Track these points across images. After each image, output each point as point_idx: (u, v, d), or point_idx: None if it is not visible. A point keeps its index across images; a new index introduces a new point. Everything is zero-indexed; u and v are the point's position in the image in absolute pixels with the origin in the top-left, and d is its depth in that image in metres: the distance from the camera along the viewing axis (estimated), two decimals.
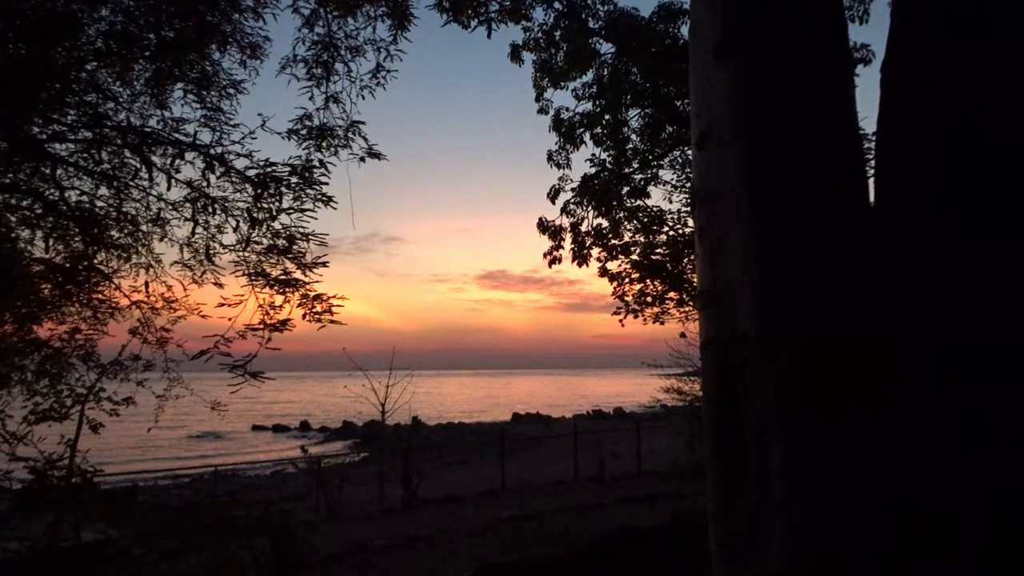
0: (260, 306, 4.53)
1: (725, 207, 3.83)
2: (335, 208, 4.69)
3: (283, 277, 4.69)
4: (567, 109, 11.36)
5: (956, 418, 2.94)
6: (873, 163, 4.24)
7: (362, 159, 5.27)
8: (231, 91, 5.50)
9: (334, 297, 4.64)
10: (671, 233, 13.47)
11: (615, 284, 13.95)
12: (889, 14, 4.51)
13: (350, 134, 5.34)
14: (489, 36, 4.99)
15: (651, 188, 12.54)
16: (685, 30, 10.02)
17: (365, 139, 5.32)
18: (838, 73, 4.03)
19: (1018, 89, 3.66)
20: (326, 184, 4.72)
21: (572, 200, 11.88)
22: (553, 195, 11.78)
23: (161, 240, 6.12)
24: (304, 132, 5.28)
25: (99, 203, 5.92)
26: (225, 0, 5.35)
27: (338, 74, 5.33)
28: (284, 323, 4.48)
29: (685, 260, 13.08)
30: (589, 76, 10.98)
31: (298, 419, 62.87)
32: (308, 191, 4.66)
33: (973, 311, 3.20)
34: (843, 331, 3.40)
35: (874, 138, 4.08)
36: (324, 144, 5.30)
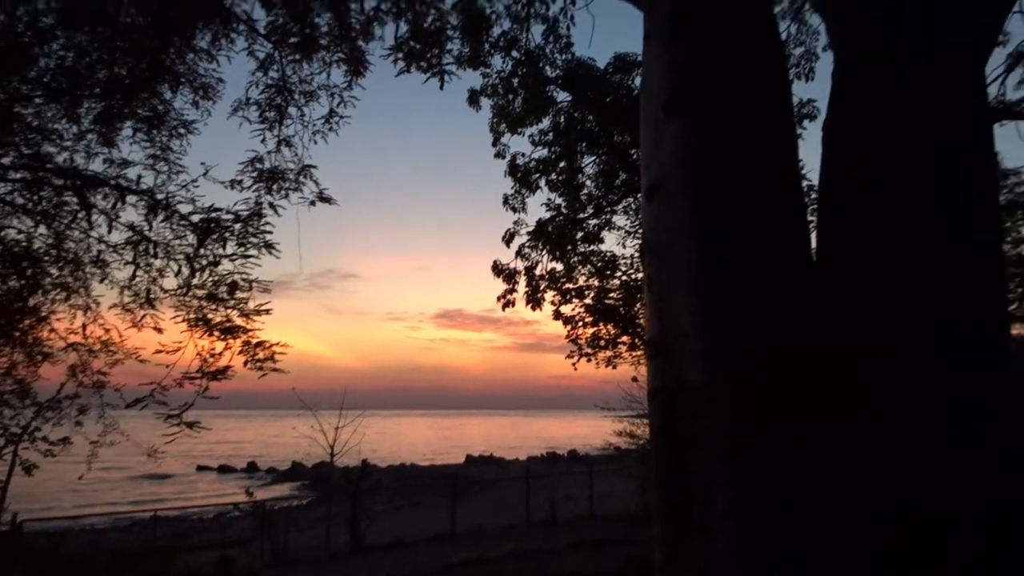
0: (199, 353, 4.43)
1: (674, 258, 3.90)
2: (277, 257, 4.66)
3: (225, 324, 4.60)
4: (523, 155, 11.51)
5: (914, 447, 3.05)
6: (816, 212, 4.39)
7: (312, 203, 5.24)
8: (182, 131, 5.45)
9: (277, 344, 4.57)
10: (624, 278, 13.64)
11: (569, 327, 14.04)
12: (831, 73, 4.72)
13: (301, 178, 5.32)
14: (442, 87, 5.04)
15: (605, 233, 12.72)
16: (639, 81, 10.26)
17: (316, 183, 5.31)
18: (783, 127, 4.18)
19: (953, 140, 3.87)
20: (269, 233, 4.68)
21: (527, 244, 11.99)
22: (508, 239, 11.85)
23: (101, 282, 5.96)
24: (254, 174, 5.24)
25: (37, 243, 5.76)
26: (180, 41, 5.32)
27: (291, 118, 5.32)
28: (223, 371, 4.39)
29: (638, 305, 13.23)
30: (546, 123, 11.17)
31: (245, 460, 61.11)
32: (252, 239, 4.61)
33: (926, 334, 3.35)
34: (787, 380, 3.47)
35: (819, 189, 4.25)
36: (275, 187, 5.26)
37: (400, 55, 4.87)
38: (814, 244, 4.25)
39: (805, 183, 8.41)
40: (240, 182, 5.13)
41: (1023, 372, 3.58)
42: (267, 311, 4.55)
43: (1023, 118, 6.42)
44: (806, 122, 10.54)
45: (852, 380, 3.47)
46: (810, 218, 4.53)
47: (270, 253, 4.63)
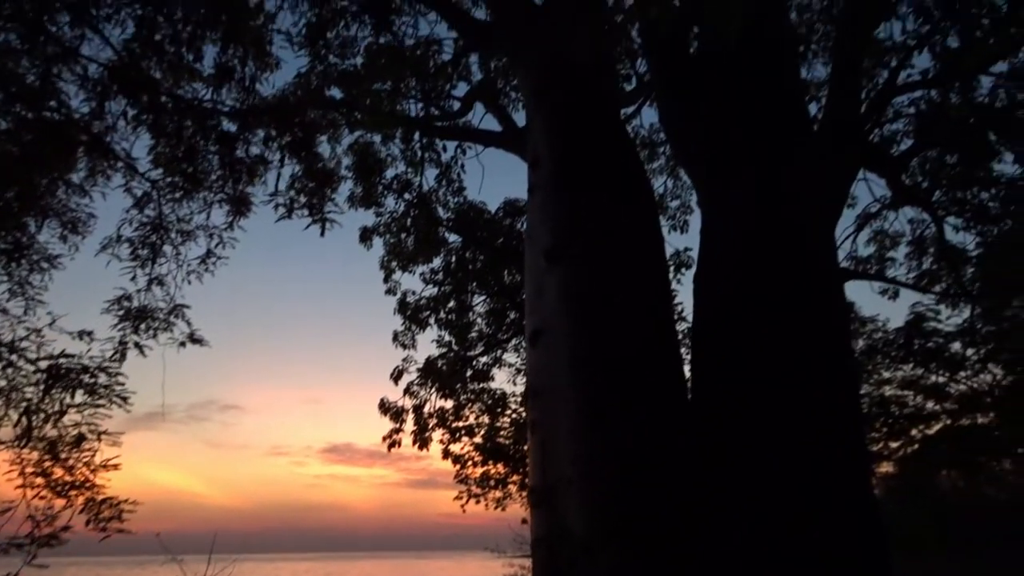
0: (31, 516, 4.01)
1: (556, 403, 3.92)
2: (128, 411, 4.39)
3: (66, 479, 4.23)
4: (413, 292, 11.58)
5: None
6: (691, 357, 4.57)
7: (183, 344, 5.03)
8: (45, 265, 5.17)
9: (126, 501, 4.22)
10: (515, 416, 13.59)
11: (458, 467, 13.75)
12: (699, 230, 5.06)
13: (173, 317, 5.12)
14: (322, 234, 5.06)
15: (496, 371, 12.74)
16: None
17: (188, 323, 5.12)
18: (657, 277, 4.40)
19: (807, 294, 4.18)
20: (121, 385, 4.43)
21: (416, 381, 11.82)
22: (396, 376, 11.67)
23: None
24: (120, 312, 5.00)
25: None
26: (53, 173, 5.13)
27: (165, 256, 5.18)
28: (55, 536, 3.98)
29: (527, 444, 13.11)
30: (437, 262, 11.34)
31: None
32: (101, 390, 4.35)
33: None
34: (665, 528, 3.46)
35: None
36: (142, 327, 5.03)
37: (281, 201, 4.90)
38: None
39: (685, 325, 8.80)
40: (91, 333, 4.89)
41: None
42: (115, 466, 4.23)
43: (869, 278, 7.09)
44: (683, 270, 11.14)
45: (728, 517, 3.53)
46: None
47: (121, 407, 4.37)
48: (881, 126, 6.69)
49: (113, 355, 4.74)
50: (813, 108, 7.41)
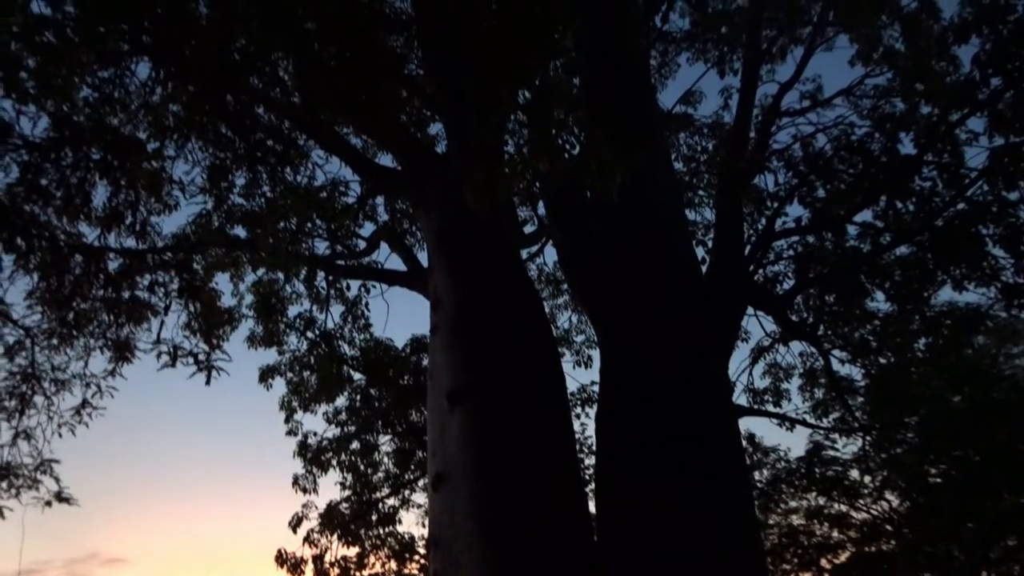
0: None
1: (458, 553, 3.75)
2: None
3: None
4: (315, 433, 11.15)
5: None
6: (595, 495, 4.53)
7: (48, 503, 4.59)
8: None
9: None
10: (424, 562, 12.94)
11: None
12: (599, 369, 5.13)
13: (39, 474, 4.69)
14: (208, 383, 4.85)
15: (403, 513, 12.22)
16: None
17: (57, 480, 4.70)
18: (559, 418, 4.38)
19: (704, 431, 4.25)
20: None
21: (316, 529, 11.15)
22: (295, 524, 10.98)
23: None
24: None
25: None
26: None
27: (36, 407, 4.80)
28: None
29: None
30: (341, 401, 11.01)
31: None
32: None
33: None
34: None
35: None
36: (3, 485, 4.58)
37: (165, 348, 4.69)
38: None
39: (594, 459, 8.72)
40: None
41: None
42: None
43: (762, 415, 7.37)
44: (591, 403, 11.18)
45: None
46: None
47: None
48: (764, 267, 7.12)
49: None
50: (701, 251, 7.84)
